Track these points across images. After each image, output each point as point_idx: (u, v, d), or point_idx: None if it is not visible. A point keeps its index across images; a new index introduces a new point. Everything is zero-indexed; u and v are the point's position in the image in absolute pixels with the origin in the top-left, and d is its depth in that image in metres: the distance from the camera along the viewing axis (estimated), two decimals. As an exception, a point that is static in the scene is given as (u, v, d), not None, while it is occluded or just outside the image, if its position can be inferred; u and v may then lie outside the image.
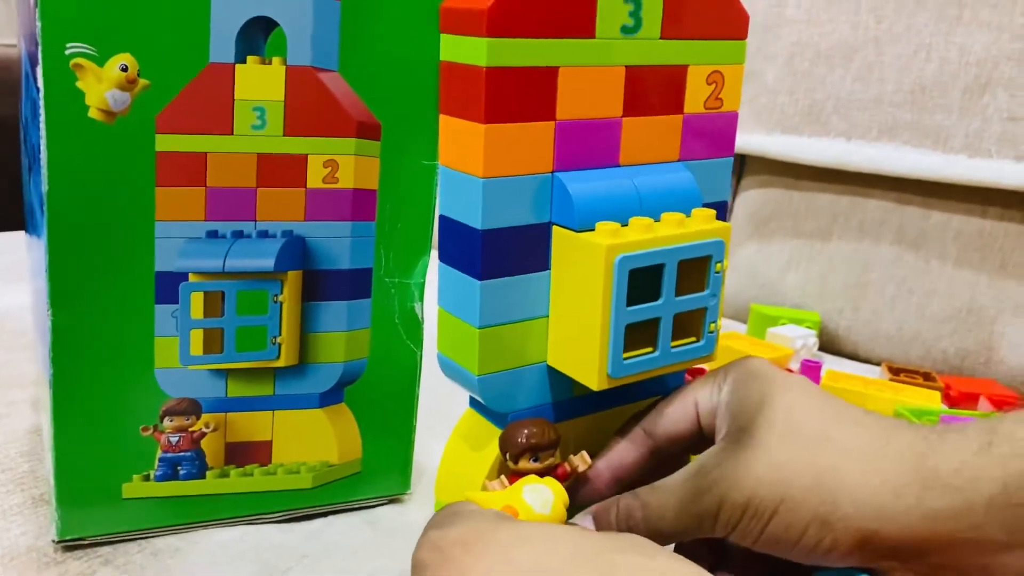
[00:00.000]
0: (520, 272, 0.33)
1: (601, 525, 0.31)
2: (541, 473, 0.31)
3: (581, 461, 0.32)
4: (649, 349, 0.32)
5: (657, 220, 0.33)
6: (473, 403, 0.35)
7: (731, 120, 0.36)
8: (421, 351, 0.35)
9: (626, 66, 0.33)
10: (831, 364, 0.59)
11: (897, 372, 0.54)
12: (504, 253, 0.32)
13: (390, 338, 0.35)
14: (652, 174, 0.34)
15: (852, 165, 0.61)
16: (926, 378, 0.54)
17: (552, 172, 0.32)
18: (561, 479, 0.32)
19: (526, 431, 0.32)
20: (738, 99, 0.36)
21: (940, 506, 0.24)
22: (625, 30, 0.33)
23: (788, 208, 0.65)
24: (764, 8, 0.65)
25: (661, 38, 0.33)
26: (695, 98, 0.34)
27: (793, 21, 0.64)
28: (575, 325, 0.32)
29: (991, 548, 0.24)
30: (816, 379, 0.51)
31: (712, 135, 0.36)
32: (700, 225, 0.33)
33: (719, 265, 0.32)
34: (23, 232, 0.74)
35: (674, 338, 0.32)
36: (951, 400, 0.53)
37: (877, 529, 0.25)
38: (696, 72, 0.34)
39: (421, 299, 0.35)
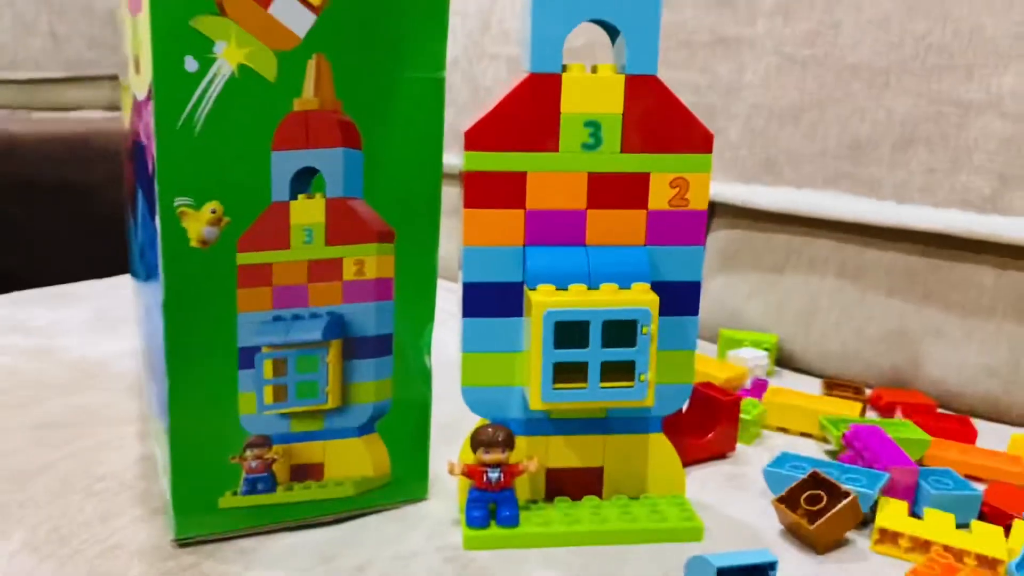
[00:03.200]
0: (497, 316, 0.45)
1: None
2: (490, 465, 0.43)
3: (530, 463, 0.44)
4: (583, 385, 0.43)
5: (596, 288, 0.44)
6: None
7: (699, 216, 0.45)
8: (431, 391, 0.47)
9: (588, 172, 0.44)
10: (787, 379, 0.70)
11: (832, 386, 0.65)
12: (482, 300, 0.44)
13: (407, 382, 0.46)
14: (610, 254, 0.45)
15: (801, 210, 0.72)
16: (856, 391, 0.65)
17: (524, 245, 0.44)
18: (510, 473, 0.44)
19: (483, 429, 0.44)
20: (705, 199, 0.45)
21: None
22: (586, 146, 0.44)
23: (750, 246, 0.76)
24: (726, 75, 0.76)
25: (622, 152, 0.44)
26: (659, 197, 0.44)
27: (751, 86, 0.75)
28: (530, 359, 0.43)
29: None
30: (761, 393, 0.62)
31: (678, 228, 0.45)
32: (630, 296, 0.44)
33: (645, 328, 0.43)
34: (104, 279, 0.87)
35: (612, 381, 0.44)
36: (879, 407, 0.64)
37: None
38: (659, 177, 0.44)
39: (429, 353, 0.47)
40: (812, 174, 0.72)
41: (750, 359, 0.67)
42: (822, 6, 0.71)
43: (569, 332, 0.43)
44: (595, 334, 0.43)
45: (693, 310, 0.46)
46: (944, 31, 0.67)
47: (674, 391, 0.46)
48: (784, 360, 0.74)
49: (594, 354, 0.43)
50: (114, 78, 2.49)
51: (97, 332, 0.76)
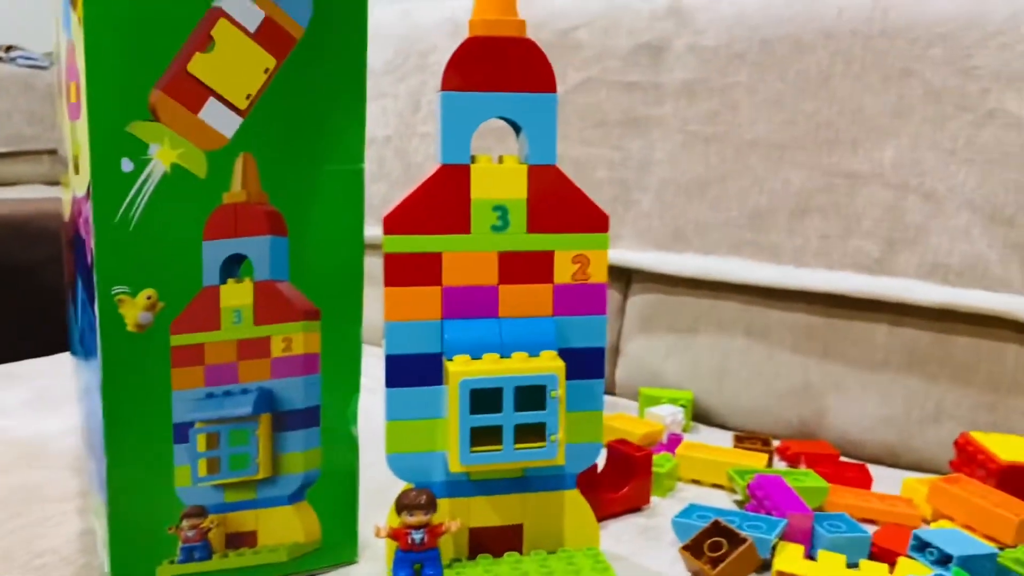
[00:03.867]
0: (419, 384, 0.48)
1: None
2: (414, 527, 0.46)
3: (452, 524, 0.47)
4: (499, 447, 0.47)
5: (508, 357, 0.48)
6: None
7: (599, 289, 0.50)
8: (358, 459, 0.50)
9: (499, 251, 0.49)
10: (703, 434, 0.75)
11: (741, 439, 0.70)
12: (404, 371, 0.48)
13: (335, 452, 0.50)
14: (520, 325, 0.49)
15: (709, 275, 0.77)
16: (764, 443, 0.69)
17: (442, 319, 0.48)
18: (433, 534, 0.47)
19: (407, 493, 0.47)
20: (604, 274, 0.49)
21: None
22: (495, 228, 0.48)
23: (665, 309, 0.81)
24: (638, 151, 0.82)
25: (528, 232, 0.49)
26: (563, 272, 0.49)
27: (660, 162, 0.81)
28: (450, 424, 0.47)
29: None
30: (675, 448, 0.66)
31: (581, 299, 0.49)
32: (539, 363, 0.48)
33: (553, 392, 0.47)
34: (45, 358, 0.89)
35: (525, 443, 0.47)
36: (786, 457, 0.68)
37: None
38: (562, 255, 0.49)
39: (355, 423, 0.50)
40: (718, 241, 0.78)
41: (667, 415, 0.71)
42: (721, 88, 0.78)
43: (484, 398, 0.47)
44: (508, 399, 0.46)
45: (599, 373, 0.50)
46: (831, 110, 0.74)
47: (585, 449, 0.50)
48: (700, 416, 0.79)
49: (508, 418, 0.47)
50: (53, 152, 2.50)
51: (38, 411, 0.77)
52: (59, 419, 0.74)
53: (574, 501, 0.51)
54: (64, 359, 0.93)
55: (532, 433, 0.47)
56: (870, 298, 0.71)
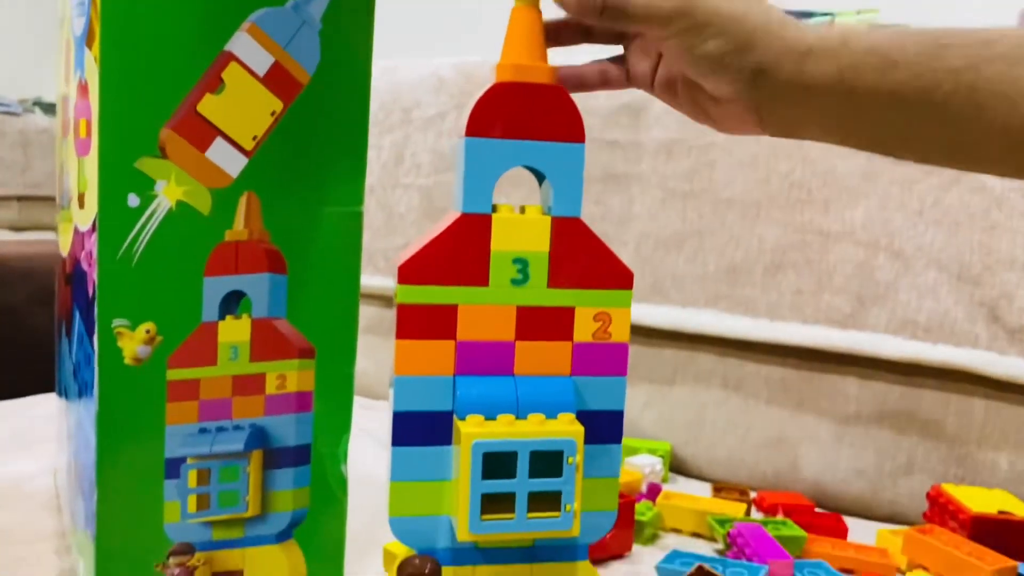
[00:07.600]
0: (427, 444, 0.45)
1: None
2: None
3: None
4: (511, 515, 0.43)
5: (523, 418, 0.44)
6: None
7: (621, 349, 0.46)
8: (347, 498, 0.51)
9: (517, 306, 0.45)
10: (680, 484, 0.76)
11: (719, 490, 0.71)
12: (411, 429, 0.45)
13: (324, 491, 0.50)
14: (536, 384, 0.45)
15: (687, 328, 0.79)
16: (741, 493, 0.70)
17: (454, 375, 0.45)
18: None
19: (410, 562, 0.45)
20: (626, 333, 0.46)
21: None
22: (515, 282, 0.45)
23: (643, 360, 0.83)
24: (618, 207, 0.84)
25: (548, 287, 0.45)
26: (583, 330, 0.46)
27: (639, 217, 0.83)
28: (459, 490, 0.43)
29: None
30: (655, 497, 0.67)
31: (601, 359, 0.46)
32: (556, 426, 0.44)
33: (571, 459, 0.43)
34: (20, 399, 0.88)
35: (538, 511, 0.43)
36: (763, 507, 0.69)
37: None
38: (583, 312, 0.46)
39: (345, 461, 0.50)
40: (694, 295, 0.80)
41: (645, 465, 0.72)
42: (699, 148, 0.81)
43: (497, 462, 0.43)
44: (523, 464, 0.43)
45: (617, 438, 0.47)
46: (804, 170, 0.77)
47: (599, 518, 0.47)
48: (678, 466, 0.79)
49: (521, 484, 0.43)
50: (22, 199, 2.48)
51: (11, 452, 0.76)
52: (32, 460, 0.73)
53: (586, 573, 0.47)
54: (38, 401, 0.91)
55: (544, 500, 0.44)
56: (841, 352, 0.73)
